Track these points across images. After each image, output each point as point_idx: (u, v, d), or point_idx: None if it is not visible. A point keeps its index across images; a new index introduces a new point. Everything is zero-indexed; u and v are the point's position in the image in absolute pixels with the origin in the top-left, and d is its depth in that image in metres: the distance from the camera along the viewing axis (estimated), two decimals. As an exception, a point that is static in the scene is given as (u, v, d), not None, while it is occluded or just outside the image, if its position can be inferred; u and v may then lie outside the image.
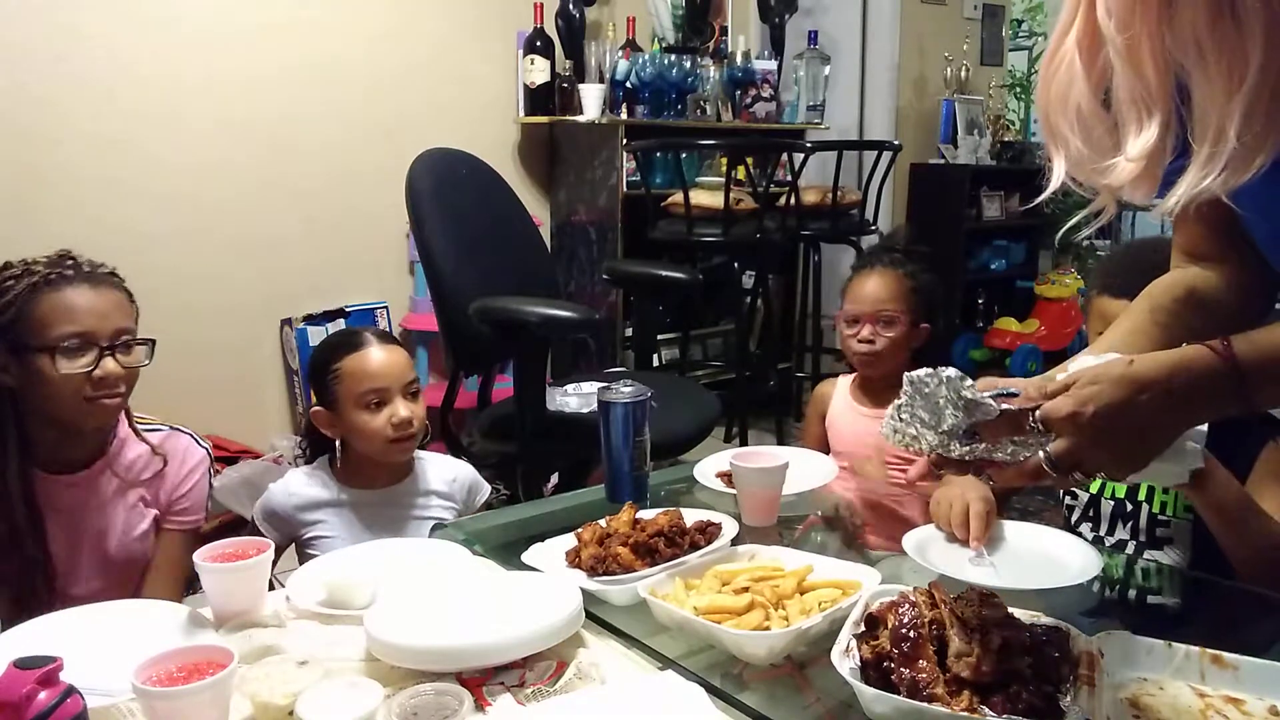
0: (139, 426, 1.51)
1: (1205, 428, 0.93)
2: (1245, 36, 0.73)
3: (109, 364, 1.37)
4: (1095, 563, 1.21)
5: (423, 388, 1.64)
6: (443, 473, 1.66)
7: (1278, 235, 0.92)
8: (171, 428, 1.56)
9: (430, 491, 1.62)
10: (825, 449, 1.94)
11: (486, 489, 1.72)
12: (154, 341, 1.45)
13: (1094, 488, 1.52)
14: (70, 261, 1.39)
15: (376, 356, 1.56)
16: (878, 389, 1.86)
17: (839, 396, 1.94)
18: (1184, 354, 0.84)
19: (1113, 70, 0.82)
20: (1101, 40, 0.82)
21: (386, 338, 1.62)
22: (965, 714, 0.82)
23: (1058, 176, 0.90)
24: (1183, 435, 0.89)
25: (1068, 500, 1.57)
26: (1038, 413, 0.86)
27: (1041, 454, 0.86)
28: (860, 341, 1.83)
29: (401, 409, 1.54)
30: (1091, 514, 1.52)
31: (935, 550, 1.29)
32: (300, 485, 1.59)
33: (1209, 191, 0.77)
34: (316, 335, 3.13)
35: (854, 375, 1.93)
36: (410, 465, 1.63)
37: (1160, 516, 1.44)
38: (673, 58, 3.55)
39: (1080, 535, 1.52)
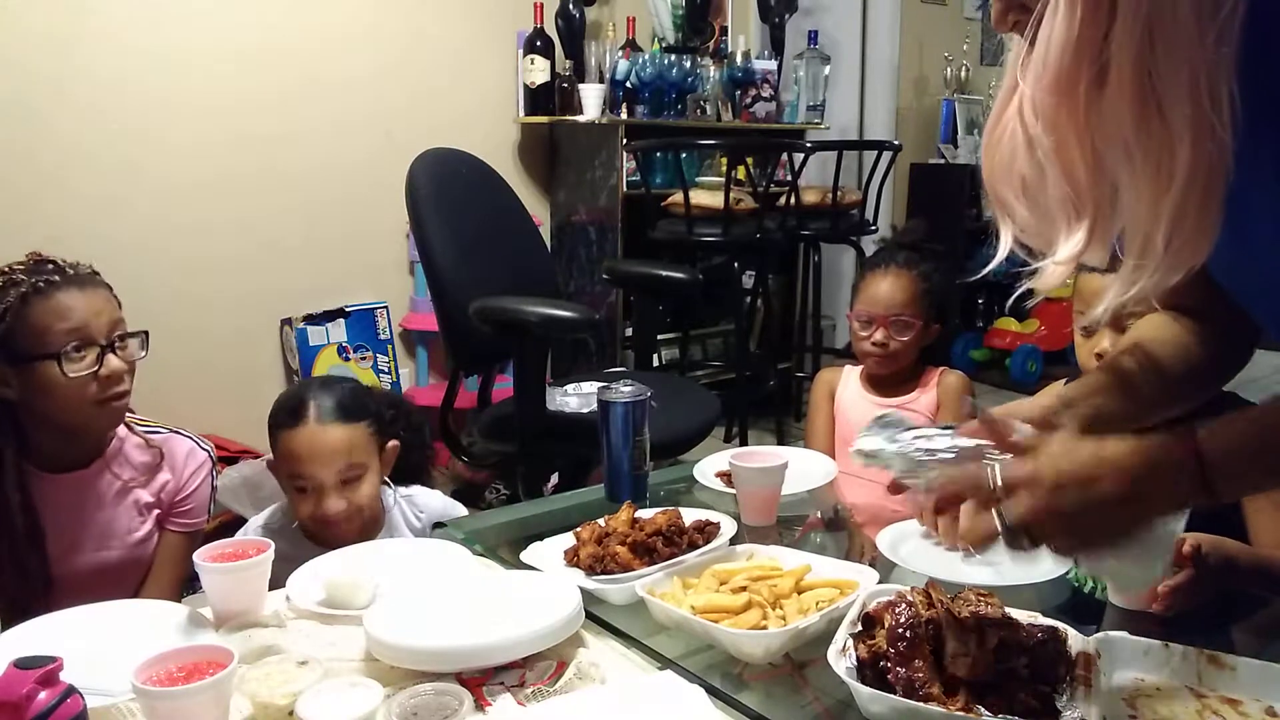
0: (138, 429, 1.51)
1: (1172, 543, 0.92)
2: (1173, 136, 0.70)
3: (112, 361, 1.38)
4: (1064, 560, 1.23)
5: (370, 466, 1.47)
6: (411, 520, 1.56)
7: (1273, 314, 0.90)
8: (172, 430, 1.55)
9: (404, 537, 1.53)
10: (832, 429, 1.95)
11: (461, 514, 1.62)
12: (147, 333, 1.44)
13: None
14: (50, 265, 1.38)
15: (307, 439, 1.42)
16: (889, 381, 1.89)
17: (848, 385, 1.95)
18: (1150, 445, 0.82)
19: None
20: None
21: (336, 410, 1.45)
22: (961, 714, 0.83)
23: (1005, 246, 0.89)
24: (1148, 544, 0.88)
25: None
26: (999, 471, 0.85)
27: (995, 513, 0.86)
28: (874, 344, 1.84)
29: (331, 503, 1.41)
30: None
31: (908, 546, 1.31)
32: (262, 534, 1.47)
33: (1138, 299, 0.76)
34: (316, 335, 3.13)
35: (861, 367, 1.94)
36: (379, 521, 1.52)
37: None
38: (673, 58, 3.55)
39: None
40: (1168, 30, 0.68)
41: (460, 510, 1.64)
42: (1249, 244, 0.78)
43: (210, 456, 1.57)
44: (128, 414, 1.48)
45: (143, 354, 1.44)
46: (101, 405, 1.38)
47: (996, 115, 0.87)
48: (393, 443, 1.54)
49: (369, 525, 1.50)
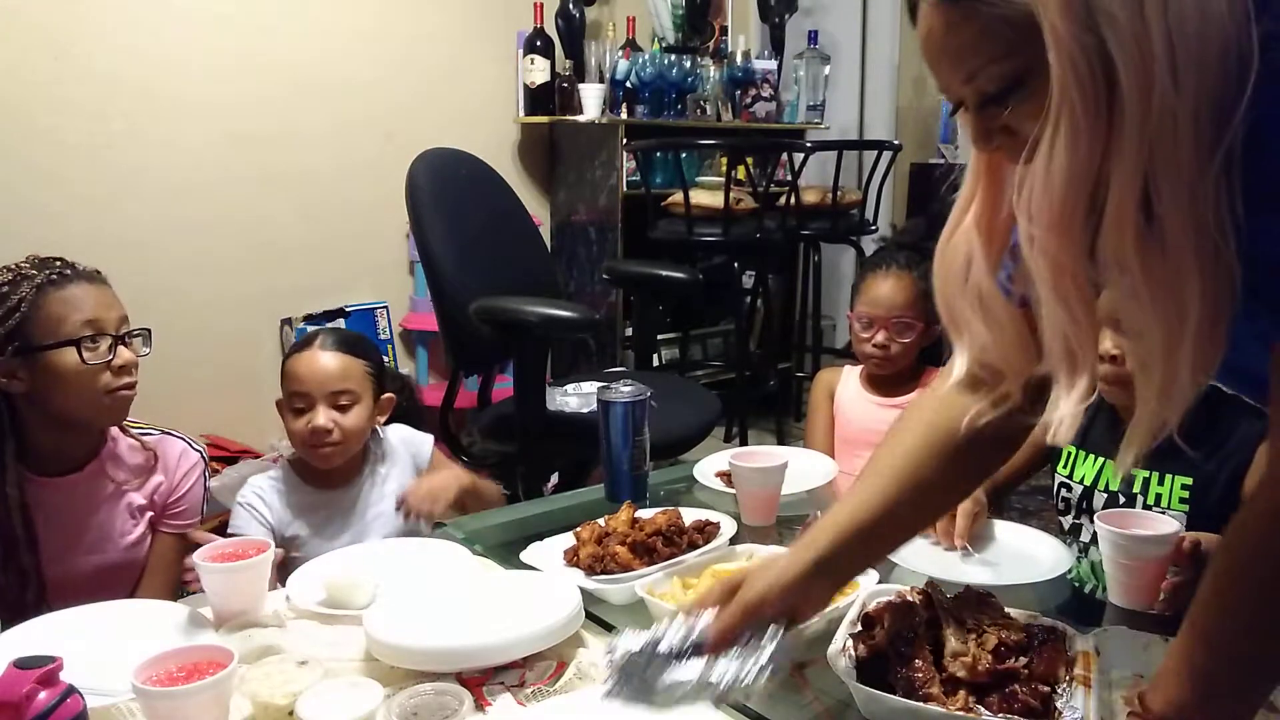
0: (131, 430, 1.50)
1: None
2: (1181, 271, 0.65)
3: (124, 352, 1.40)
4: (1066, 559, 1.25)
5: (371, 398, 1.56)
6: (395, 446, 1.64)
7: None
8: (164, 432, 1.55)
9: (389, 473, 1.60)
10: (832, 430, 1.96)
11: (428, 441, 1.68)
12: (149, 331, 1.46)
13: (1088, 480, 1.53)
14: (59, 262, 1.41)
15: (307, 360, 1.52)
16: (888, 381, 1.89)
17: (848, 385, 1.96)
18: None
19: (1011, 250, 0.77)
20: (999, 218, 0.77)
21: (339, 343, 1.56)
22: (961, 714, 0.83)
23: (960, 365, 0.84)
24: None
25: (1063, 494, 1.58)
26: None
27: None
28: (875, 346, 1.85)
29: (320, 417, 1.48)
30: (1086, 506, 1.53)
31: (908, 547, 1.30)
32: (266, 486, 1.55)
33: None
34: (317, 335, 3.13)
35: (860, 367, 1.95)
36: (369, 457, 1.59)
37: (1155, 509, 1.44)
38: (673, 57, 3.55)
39: (1078, 528, 1.54)
40: (1168, 155, 0.65)
41: (424, 440, 1.69)
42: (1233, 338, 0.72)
43: (203, 457, 1.57)
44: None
45: (146, 351, 1.46)
46: (112, 395, 1.39)
47: (953, 224, 0.83)
48: (388, 395, 1.61)
49: (354, 462, 1.57)
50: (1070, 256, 0.70)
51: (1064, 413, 0.76)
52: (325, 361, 1.52)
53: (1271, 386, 0.72)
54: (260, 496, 1.53)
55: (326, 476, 1.55)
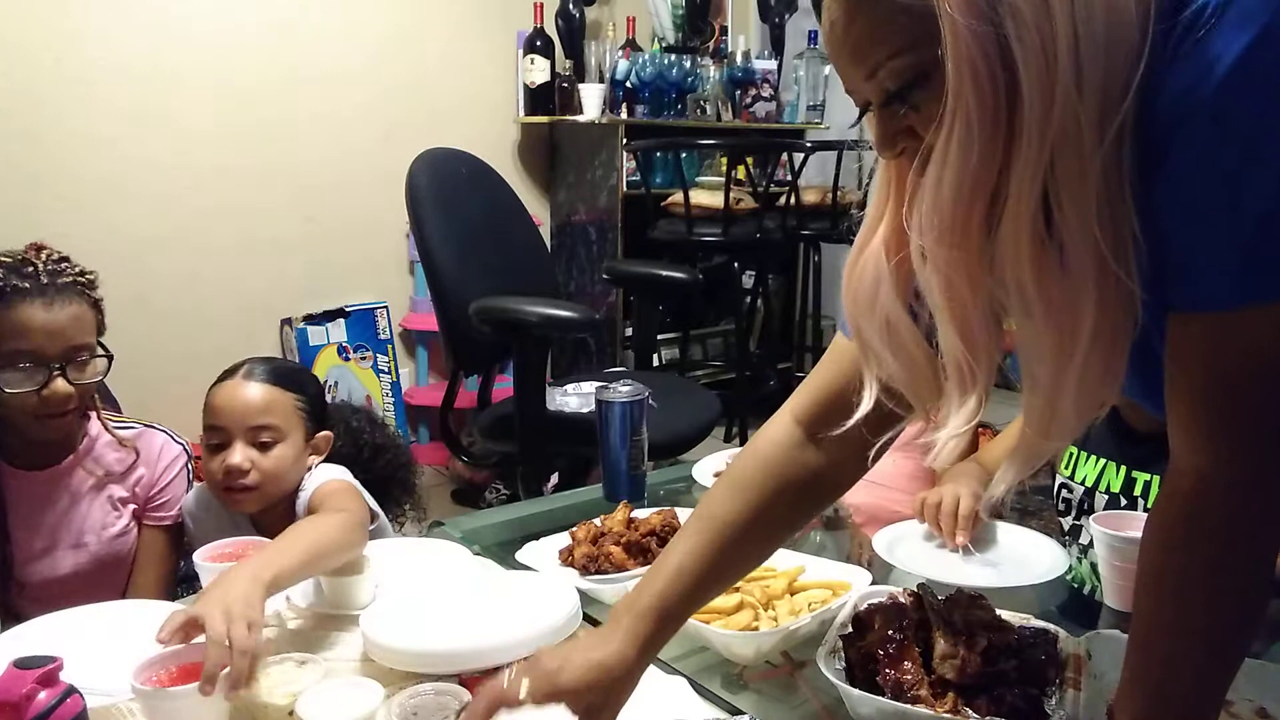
0: (111, 425, 1.50)
1: None
2: (1077, 290, 0.62)
3: (58, 384, 1.33)
4: (1063, 560, 1.26)
5: (295, 437, 1.38)
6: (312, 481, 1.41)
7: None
8: (145, 425, 1.54)
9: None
10: None
11: (328, 472, 1.42)
12: (111, 357, 1.40)
13: (1089, 481, 1.53)
14: (30, 269, 1.33)
15: (228, 391, 1.38)
16: None
17: None
18: None
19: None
20: (907, 239, 0.71)
21: (267, 373, 1.41)
22: (948, 716, 0.83)
23: (870, 395, 0.79)
24: None
25: (1063, 494, 1.58)
26: None
27: None
28: None
29: (236, 455, 1.33)
30: (1087, 507, 1.53)
31: (905, 548, 1.31)
32: (205, 503, 1.45)
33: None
34: (317, 335, 3.14)
35: None
36: (298, 504, 1.39)
37: None
38: (673, 57, 3.55)
39: (1079, 529, 1.54)
40: (1071, 165, 0.61)
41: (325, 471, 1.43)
42: (1153, 360, 0.68)
43: (185, 450, 1.54)
44: (102, 412, 1.48)
45: (100, 377, 1.40)
46: (40, 420, 1.35)
47: (860, 243, 0.79)
48: (324, 433, 1.44)
49: (282, 510, 1.39)
50: (964, 273, 0.66)
51: (950, 433, 0.71)
52: (247, 393, 1.37)
53: (1166, 367, 0.67)
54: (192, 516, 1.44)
55: (253, 523, 1.40)
